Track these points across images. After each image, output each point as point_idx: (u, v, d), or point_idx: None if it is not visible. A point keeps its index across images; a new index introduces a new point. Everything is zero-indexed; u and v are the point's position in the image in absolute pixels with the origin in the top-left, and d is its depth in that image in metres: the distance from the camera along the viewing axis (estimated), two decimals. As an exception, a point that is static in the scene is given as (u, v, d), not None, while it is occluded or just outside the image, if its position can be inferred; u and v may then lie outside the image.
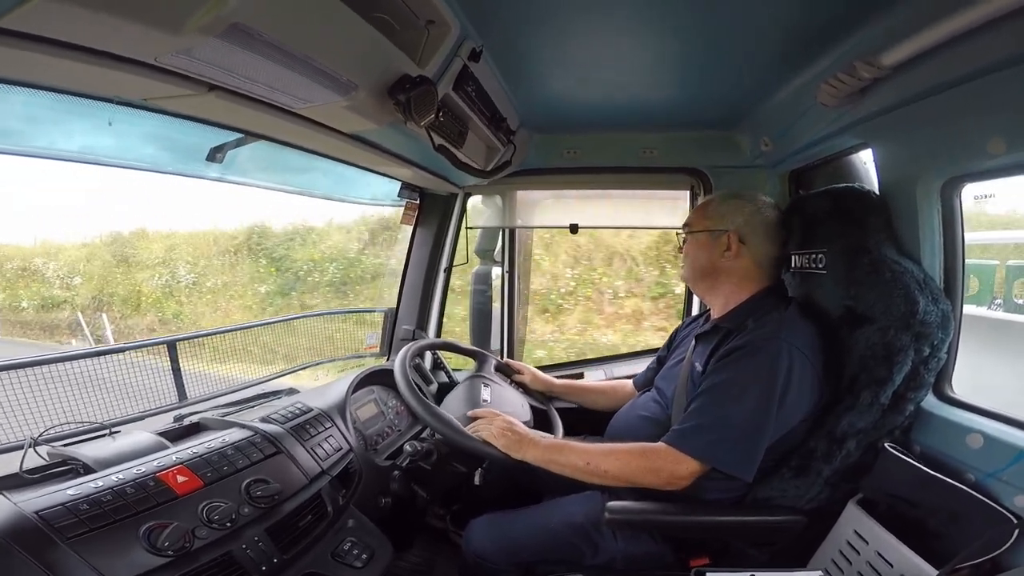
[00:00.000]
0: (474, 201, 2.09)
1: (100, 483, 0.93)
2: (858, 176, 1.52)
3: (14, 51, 0.67)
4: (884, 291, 1.15)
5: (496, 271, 2.16)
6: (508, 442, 1.26)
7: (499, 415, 1.35)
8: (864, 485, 1.17)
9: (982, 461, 1.03)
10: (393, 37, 0.98)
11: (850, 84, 1.14)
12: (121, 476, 0.96)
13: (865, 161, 1.51)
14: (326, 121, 1.13)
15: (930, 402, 1.18)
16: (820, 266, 1.33)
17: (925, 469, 1.06)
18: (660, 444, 1.18)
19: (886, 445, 1.14)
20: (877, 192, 1.31)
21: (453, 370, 1.96)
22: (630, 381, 1.75)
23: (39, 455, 1.04)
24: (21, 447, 1.03)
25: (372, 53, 0.96)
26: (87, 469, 1.00)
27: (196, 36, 0.69)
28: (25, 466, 0.99)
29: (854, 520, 1.14)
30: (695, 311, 2.00)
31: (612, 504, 1.21)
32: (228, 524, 1.00)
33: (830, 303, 1.29)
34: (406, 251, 2.03)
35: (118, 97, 0.94)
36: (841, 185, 1.36)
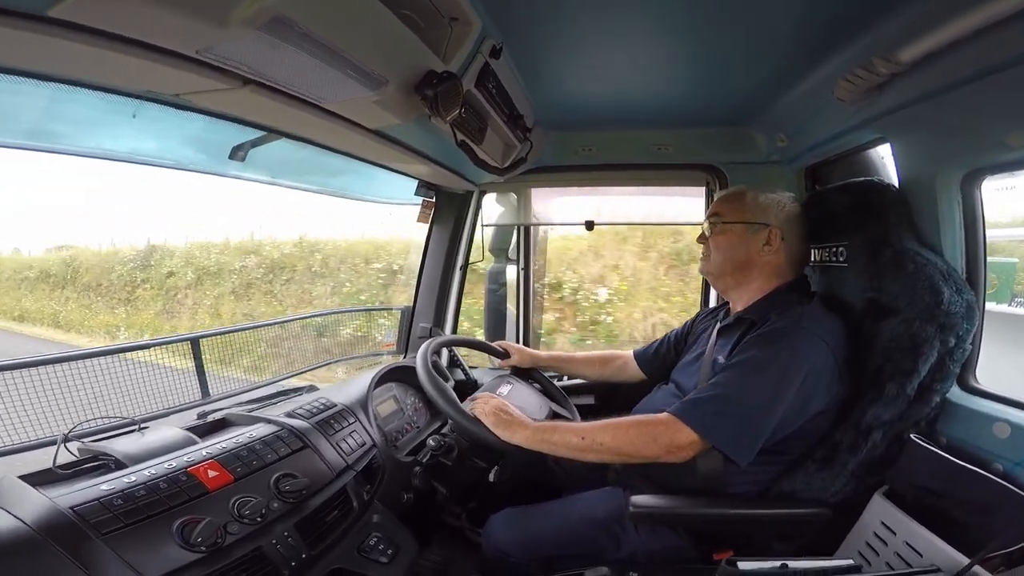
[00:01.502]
0: (489, 199, 2.10)
1: (133, 478, 0.93)
2: (875, 170, 1.52)
3: (60, 41, 0.68)
4: (908, 283, 1.15)
5: (510, 268, 2.16)
6: (498, 420, 1.25)
7: (495, 398, 1.34)
8: (890, 477, 1.16)
9: (1010, 450, 1.04)
10: (419, 33, 0.99)
11: (868, 80, 1.15)
12: (153, 471, 0.96)
13: (883, 155, 1.51)
14: (353, 116, 1.13)
15: (955, 393, 1.18)
16: (841, 259, 1.33)
17: (952, 459, 1.06)
18: (663, 414, 1.18)
19: (912, 436, 1.14)
20: (896, 186, 1.31)
21: (470, 368, 1.97)
22: (624, 352, 1.75)
23: (69, 451, 1.04)
24: (51, 443, 1.03)
25: (401, 48, 0.97)
26: (118, 464, 1.00)
27: (239, 28, 0.70)
28: (57, 462, 0.99)
29: (881, 511, 1.14)
30: (712, 302, 2.01)
31: (636, 498, 1.21)
32: (258, 519, 1.00)
33: (852, 295, 1.29)
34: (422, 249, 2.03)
35: (151, 92, 0.95)
36: (860, 179, 1.36)
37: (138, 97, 0.99)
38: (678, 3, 1.06)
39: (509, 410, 1.29)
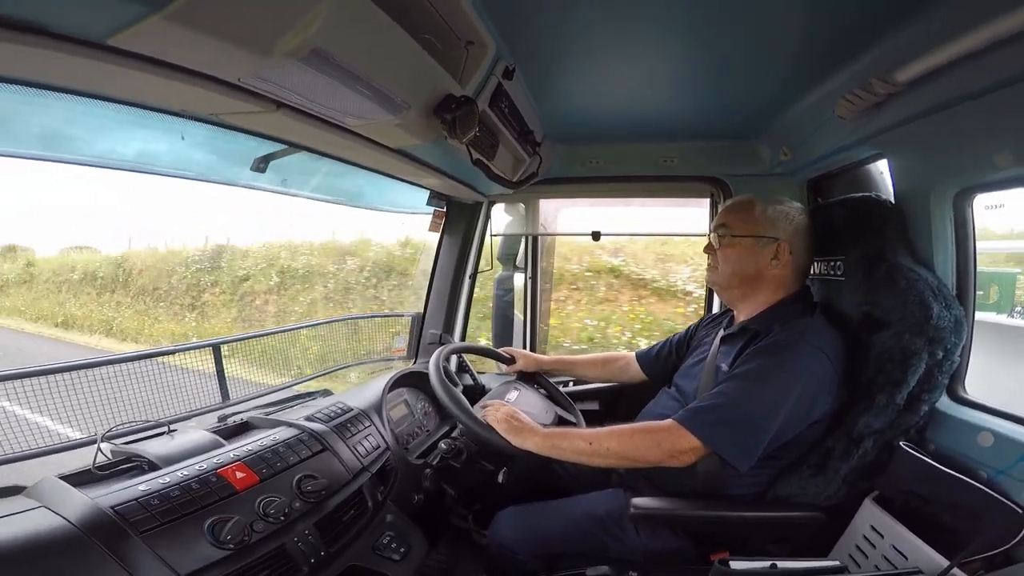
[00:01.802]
0: (497, 209, 2.15)
1: (167, 479, 0.98)
2: (874, 185, 1.56)
3: (112, 67, 0.73)
4: (900, 298, 1.20)
5: (518, 277, 2.21)
6: (509, 427, 1.29)
7: (506, 405, 1.38)
8: (880, 483, 1.22)
9: (993, 458, 1.08)
10: (437, 56, 1.04)
11: (866, 99, 1.19)
12: (185, 472, 1.01)
13: (882, 171, 1.55)
14: (375, 137, 1.19)
15: (944, 402, 1.23)
16: (838, 273, 1.38)
17: (939, 467, 1.11)
18: (668, 420, 1.22)
19: (901, 444, 1.19)
20: (892, 201, 1.36)
21: (478, 373, 2.02)
22: (627, 353, 1.79)
23: (103, 453, 1.09)
24: (82, 445, 1.08)
25: (423, 74, 1.02)
26: (152, 466, 1.05)
27: (281, 59, 0.75)
28: (94, 463, 1.04)
29: (870, 516, 1.19)
30: (715, 309, 2.05)
31: (636, 500, 1.25)
32: (282, 518, 1.06)
33: (848, 308, 1.34)
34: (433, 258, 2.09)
35: (189, 112, 1.00)
36: (859, 194, 1.41)
37: (173, 114, 1.04)
38: (684, 21, 1.10)
39: (520, 417, 1.33)
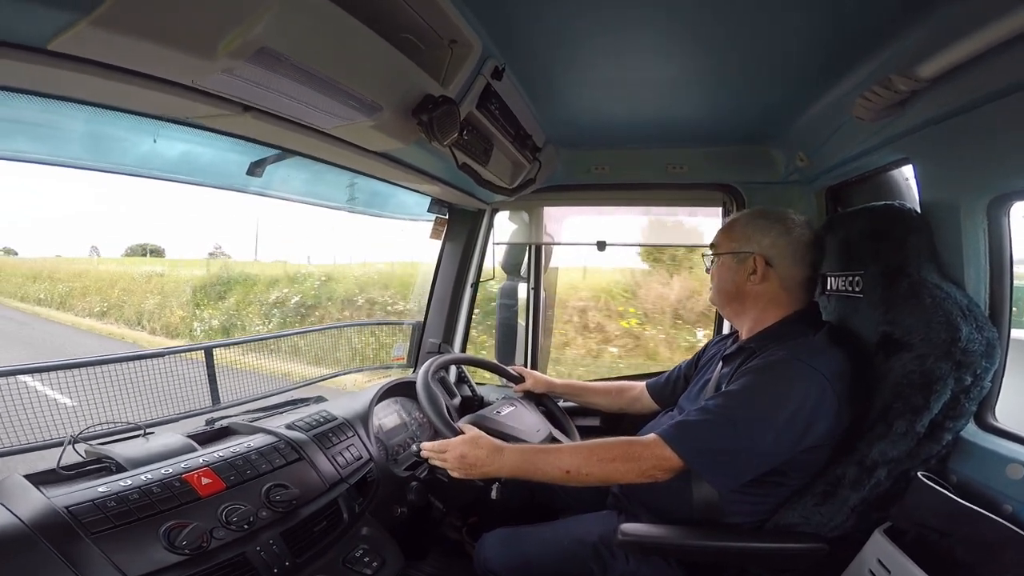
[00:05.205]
0: (501, 217, 2.11)
1: (129, 482, 0.98)
2: (899, 193, 1.45)
3: (63, 72, 0.74)
4: (923, 317, 1.09)
5: (522, 287, 2.16)
6: (463, 465, 1.20)
7: (453, 443, 1.24)
8: (893, 514, 1.10)
9: (1022, 492, 0.97)
10: (417, 57, 1.01)
11: (886, 97, 1.10)
12: (149, 476, 1.01)
13: (907, 177, 1.44)
14: (354, 140, 1.17)
15: (971, 431, 1.11)
16: (856, 289, 1.27)
17: (958, 499, 1.00)
18: (651, 435, 1.16)
19: (919, 474, 1.07)
20: (918, 210, 1.24)
21: (477, 384, 1.97)
22: (639, 383, 1.71)
23: (77, 452, 1.10)
24: (61, 444, 1.09)
25: (396, 75, 0.99)
26: (119, 468, 1.06)
27: (227, 60, 0.74)
28: (63, 463, 1.05)
29: (878, 549, 1.08)
30: (726, 330, 1.95)
31: (626, 526, 1.19)
32: (245, 526, 1.04)
33: (866, 328, 1.23)
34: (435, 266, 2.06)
35: (165, 115, 1.01)
36: (880, 203, 1.30)
37: (156, 118, 1.05)
38: (689, 21, 1.05)
39: (467, 457, 1.21)
